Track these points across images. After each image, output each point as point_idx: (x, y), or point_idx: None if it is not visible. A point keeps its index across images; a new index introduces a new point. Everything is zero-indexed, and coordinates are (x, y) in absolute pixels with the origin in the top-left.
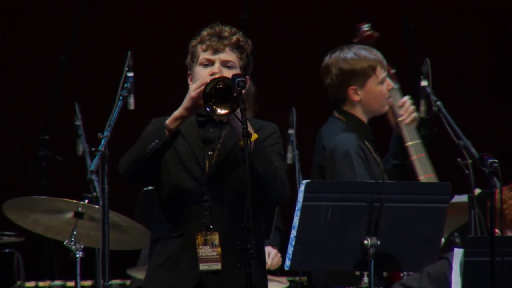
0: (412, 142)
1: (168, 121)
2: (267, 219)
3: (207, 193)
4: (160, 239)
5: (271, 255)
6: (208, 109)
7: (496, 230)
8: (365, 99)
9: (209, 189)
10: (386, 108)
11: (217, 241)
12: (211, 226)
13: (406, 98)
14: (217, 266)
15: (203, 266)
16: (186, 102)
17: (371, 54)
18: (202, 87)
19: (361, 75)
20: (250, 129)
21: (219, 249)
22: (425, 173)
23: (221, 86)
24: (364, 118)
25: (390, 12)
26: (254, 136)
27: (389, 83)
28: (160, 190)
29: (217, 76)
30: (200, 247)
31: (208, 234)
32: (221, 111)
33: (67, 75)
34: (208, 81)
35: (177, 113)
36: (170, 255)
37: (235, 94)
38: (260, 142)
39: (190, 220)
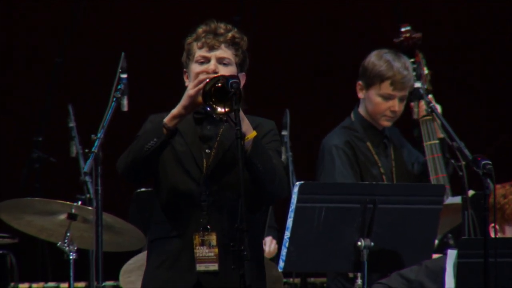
0: (430, 142)
1: (166, 119)
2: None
3: (205, 193)
4: (158, 238)
5: (267, 242)
6: (208, 108)
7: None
8: (366, 101)
9: (207, 189)
10: (386, 123)
11: (214, 242)
12: (208, 227)
13: None
14: (214, 266)
15: (200, 267)
16: (184, 100)
17: (390, 69)
18: (201, 85)
19: (368, 78)
20: (249, 126)
21: (216, 250)
22: (436, 174)
23: (220, 85)
24: (370, 119)
25: (384, 13)
26: (253, 133)
27: (396, 106)
28: (159, 190)
29: (216, 75)
30: (197, 247)
31: (206, 235)
32: (221, 109)
33: (60, 77)
34: (208, 80)
35: (175, 111)
36: (168, 255)
37: (234, 93)
38: (259, 140)
39: (188, 220)
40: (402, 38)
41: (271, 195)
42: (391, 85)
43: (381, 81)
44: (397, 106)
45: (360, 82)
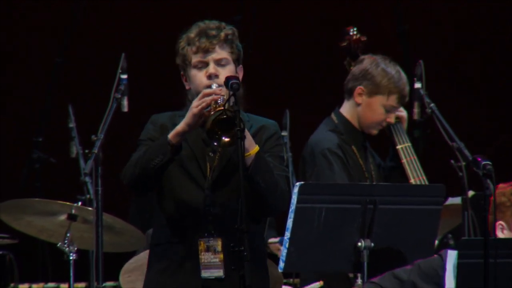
0: (402, 145)
1: (170, 136)
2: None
3: (210, 199)
4: (162, 243)
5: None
6: (215, 143)
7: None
8: (364, 107)
9: (211, 194)
10: (375, 132)
11: (219, 247)
12: (213, 232)
13: None
14: (219, 272)
15: (205, 273)
16: (188, 119)
17: (399, 83)
18: (204, 105)
19: (376, 86)
20: (251, 142)
21: (221, 256)
22: (415, 176)
23: (225, 116)
24: (357, 124)
25: (384, 13)
26: (256, 149)
27: (392, 118)
28: (162, 195)
29: (219, 108)
30: (202, 253)
31: (211, 240)
32: (226, 139)
33: (60, 77)
34: (213, 112)
35: (179, 128)
36: (172, 261)
37: (240, 127)
38: (261, 155)
39: (192, 225)
40: (348, 41)
41: (272, 209)
42: (397, 99)
43: (389, 93)
44: (393, 118)
45: (362, 87)
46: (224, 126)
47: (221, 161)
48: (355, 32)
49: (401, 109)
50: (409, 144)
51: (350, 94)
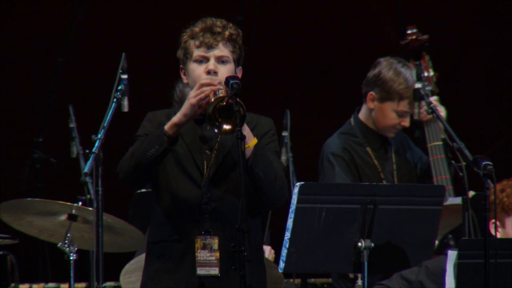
0: (432, 144)
1: (167, 127)
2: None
3: (206, 196)
4: (159, 241)
5: (266, 251)
6: (215, 129)
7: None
8: (376, 112)
9: (208, 191)
10: (391, 135)
11: (216, 246)
12: (210, 230)
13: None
14: (215, 271)
15: (200, 271)
16: (185, 109)
17: (411, 87)
18: (203, 95)
19: (386, 92)
20: (250, 134)
21: (217, 254)
22: (437, 175)
23: (225, 103)
24: (374, 127)
25: (385, 13)
26: (254, 141)
27: (407, 121)
28: (159, 192)
29: (219, 95)
30: (198, 251)
31: (208, 238)
32: (226, 126)
33: (61, 77)
34: (213, 99)
35: (176, 119)
36: (170, 259)
37: (240, 112)
38: (260, 147)
39: (190, 223)
40: (408, 40)
41: (272, 201)
42: (408, 104)
43: (400, 99)
44: (407, 122)
45: (373, 93)
46: (225, 113)
47: (217, 159)
48: (413, 31)
49: (441, 108)
50: (440, 143)
51: (364, 100)
